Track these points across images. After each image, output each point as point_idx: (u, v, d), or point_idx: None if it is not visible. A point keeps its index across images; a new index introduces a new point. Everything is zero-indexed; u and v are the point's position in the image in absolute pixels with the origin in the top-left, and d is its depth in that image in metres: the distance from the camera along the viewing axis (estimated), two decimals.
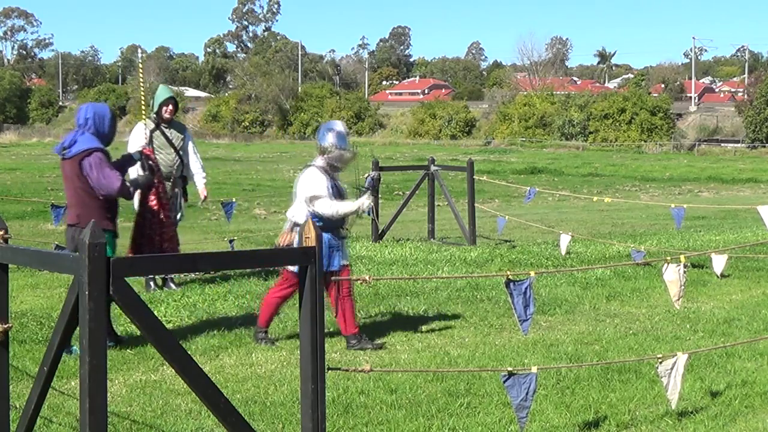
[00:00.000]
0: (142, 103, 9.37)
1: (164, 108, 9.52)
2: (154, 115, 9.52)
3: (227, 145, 71.05)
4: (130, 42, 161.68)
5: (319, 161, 7.33)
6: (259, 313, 7.43)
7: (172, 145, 9.59)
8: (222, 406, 3.73)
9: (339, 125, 7.62)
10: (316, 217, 7.10)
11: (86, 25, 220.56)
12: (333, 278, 6.88)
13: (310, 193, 7.14)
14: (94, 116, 7.00)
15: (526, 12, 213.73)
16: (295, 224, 7.23)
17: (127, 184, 7.12)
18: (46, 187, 25.48)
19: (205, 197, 10.25)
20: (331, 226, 7.20)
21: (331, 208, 7.14)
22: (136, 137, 9.38)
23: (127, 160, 7.45)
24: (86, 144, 6.87)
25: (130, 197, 7.41)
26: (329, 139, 7.33)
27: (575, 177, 38.12)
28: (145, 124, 9.30)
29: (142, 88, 9.43)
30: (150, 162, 7.63)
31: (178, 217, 9.84)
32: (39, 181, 28.49)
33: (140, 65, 10.31)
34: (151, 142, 9.30)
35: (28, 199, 19.33)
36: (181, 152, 9.73)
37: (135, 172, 9.28)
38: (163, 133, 9.53)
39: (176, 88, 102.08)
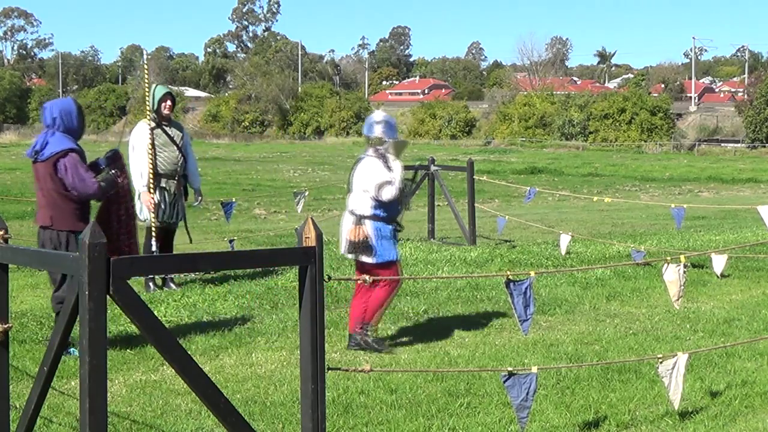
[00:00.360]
0: (147, 103, 9.38)
1: (163, 104, 9.51)
2: (154, 114, 9.52)
3: (227, 145, 71.05)
4: (130, 42, 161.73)
5: (371, 152, 7.36)
6: (366, 313, 7.27)
7: (174, 142, 9.60)
8: (222, 406, 3.73)
9: (385, 116, 7.63)
10: (380, 208, 7.19)
11: (86, 25, 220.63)
12: (331, 278, 6.87)
13: (379, 181, 7.16)
14: (61, 114, 6.87)
15: (526, 12, 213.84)
16: (362, 217, 7.21)
17: (102, 190, 6.92)
18: None
19: (201, 198, 10.24)
20: (391, 218, 7.29)
21: (395, 189, 7.21)
22: (139, 136, 9.37)
23: (93, 166, 7.18)
24: (59, 145, 6.77)
25: (101, 199, 7.10)
26: (377, 131, 7.37)
27: (575, 177, 38.11)
28: (148, 124, 9.32)
29: (147, 88, 9.44)
30: (117, 165, 7.26)
31: (179, 216, 9.84)
32: None
33: (145, 66, 10.32)
34: (153, 141, 9.31)
35: (28, 199, 19.30)
36: (182, 150, 9.75)
37: (137, 177, 9.30)
38: (165, 132, 9.53)
39: (176, 88, 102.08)
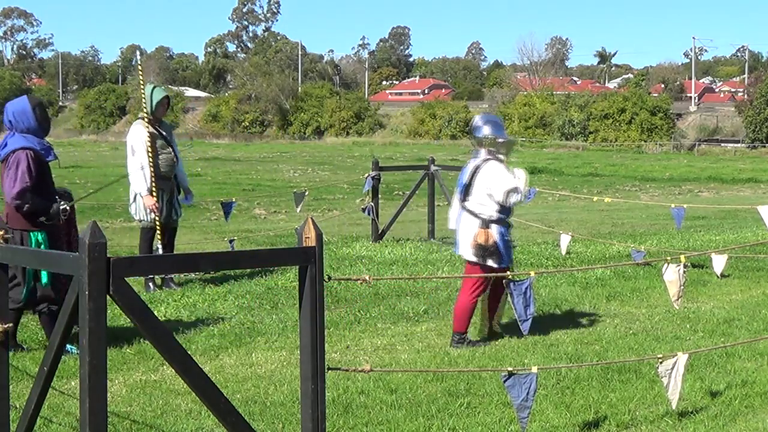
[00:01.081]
0: (144, 104, 9.39)
1: (161, 108, 9.55)
2: (150, 116, 9.51)
3: (227, 145, 71.02)
4: (130, 42, 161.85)
5: (484, 153, 7.43)
6: (454, 320, 7.35)
7: (170, 144, 9.62)
8: (222, 406, 3.73)
9: (488, 115, 7.78)
10: (503, 213, 7.31)
11: (86, 25, 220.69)
12: (331, 278, 6.89)
13: (508, 186, 7.25)
14: (14, 115, 6.75)
15: (526, 12, 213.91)
16: (489, 221, 7.29)
17: (27, 199, 6.63)
18: None
19: (191, 196, 10.25)
20: (506, 219, 7.41)
21: (519, 193, 7.32)
22: (138, 138, 9.37)
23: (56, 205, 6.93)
24: (14, 145, 6.69)
25: (20, 210, 6.69)
26: (485, 131, 7.44)
27: (575, 177, 38.12)
28: (146, 126, 9.33)
29: (142, 89, 9.45)
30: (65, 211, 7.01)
31: (178, 215, 9.87)
32: None
33: (140, 66, 10.33)
34: (153, 144, 9.33)
35: None
36: (175, 151, 9.80)
37: (139, 179, 9.29)
38: (161, 134, 9.55)
39: (176, 88, 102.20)
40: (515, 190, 7.26)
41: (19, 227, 6.67)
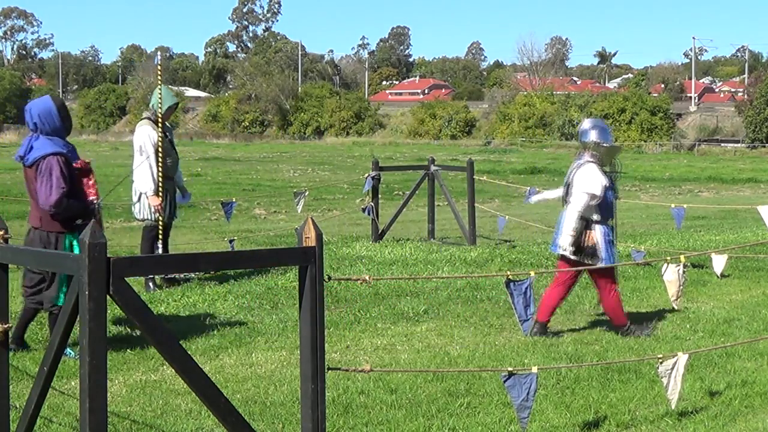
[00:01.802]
0: (153, 105, 9.41)
1: (169, 112, 9.60)
2: (159, 117, 9.53)
3: (227, 145, 71.02)
4: (130, 42, 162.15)
5: (586, 156, 7.62)
6: (538, 309, 7.57)
7: (173, 146, 9.67)
8: (222, 406, 3.73)
9: (596, 121, 7.95)
10: (603, 213, 7.52)
11: (86, 25, 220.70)
12: (331, 278, 6.90)
13: (590, 190, 7.46)
14: (40, 117, 6.74)
15: (526, 12, 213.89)
16: (591, 222, 7.54)
17: (64, 204, 6.63)
18: None
19: (189, 195, 10.31)
20: (606, 220, 7.59)
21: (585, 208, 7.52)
22: (147, 139, 9.39)
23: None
24: (42, 150, 6.67)
25: (57, 217, 6.72)
26: (592, 136, 7.63)
27: None
28: (154, 128, 9.36)
29: (159, 93, 9.44)
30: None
31: (174, 215, 9.92)
32: None
33: (159, 67, 10.39)
34: (162, 145, 9.39)
35: (28, 200, 19.31)
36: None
37: (146, 178, 9.30)
38: (166, 135, 9.59)
39: (176, 88, 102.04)
40: (594, 196, 7.46)
41: (55, 230, 6.73)
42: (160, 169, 9.34)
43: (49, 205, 6.60)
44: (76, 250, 6.66)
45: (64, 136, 6.86)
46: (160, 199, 9.39)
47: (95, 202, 6.89)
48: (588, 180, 7.51)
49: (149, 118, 9.50)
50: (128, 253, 10.46)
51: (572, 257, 7.59)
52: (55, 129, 6.76)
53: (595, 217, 7.54)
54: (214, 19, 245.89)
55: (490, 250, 12.28)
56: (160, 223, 9.50)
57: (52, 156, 6.64)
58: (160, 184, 9.38)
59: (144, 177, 9.39)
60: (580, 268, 7.51)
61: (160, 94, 9.40)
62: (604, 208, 7.58)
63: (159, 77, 9.71)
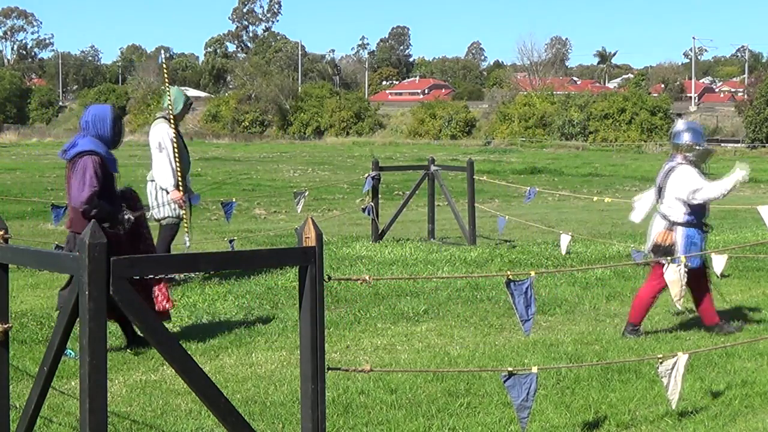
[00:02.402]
0: (168, 105, 9.43)
1: (183, 111, 9.63)
2: (173, 117, 9.56)
3: (227, 145, 71.00)
4: (130, 42, 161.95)
5: (679, 158, 7.70)
6: (631, 310, 7.67)
7: (186, 147, 9.71)
8: (222, 406, 3.73)
9: (690, 123, 8.07)
10: (692, 215, 7.57)
11: (86, 25, 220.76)
12: (331, 278, 6.90)
13: (692, 188, 7.49)
14: (94, 119, 6.84)
15: (526, 12, 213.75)
16: (674, 223, 7.59)
17: (95, 204, 6.66)
18: (46, 187, 25.47)
19: (197, 195, 10.34)
20: (699, 221, 7.65)
21: (717, 189, 7.52)
22: (166, 137, 9.39)
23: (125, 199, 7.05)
24: (82, 147, 6.74)
25: (87, 215, 6.67)
26: (686, 138, 7.71)
27: (575, 177, 38.08)
28: (171, 126, 9.39)
29: (167, 89, 9.47)
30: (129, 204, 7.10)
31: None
32: (39, 181, 28.51)
33: (164, 66, 10.37)
34: (179, 142, 9.43)
35: (28, 199, 19.33)
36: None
37: (167, 174, 9.31)
38: (180, 135, 9.64)
39: (176, 88, 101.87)
40: (699, 190, 7.50)
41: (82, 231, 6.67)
42: (178, 164, 9.35)
43: (80, 201, 6.64)
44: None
45: (110, 146, 6.92)
46: (182, 193, 9.38)
47: (128, 215, 6.90)
48: (686, 181, 7.54)
49: (164, 117, 9.51)
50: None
51: (651, 255, 7.72)
52: (104, 135, 6.85)
53: (680, 218, 7.58)
54: (214, 19, 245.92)
55: (490, 250, 12.28)
56: (184, 217, 9.48)
57: (89, 155, 6.71)
58: (180, 180, 9.38)
59: (165, 173, 9.38)
60: (648, 261, 7.69)
61: (169, 95, 9.40)
62: (692, 210, 7.61)
63: (165, 76, 9.71)
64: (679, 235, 7.58)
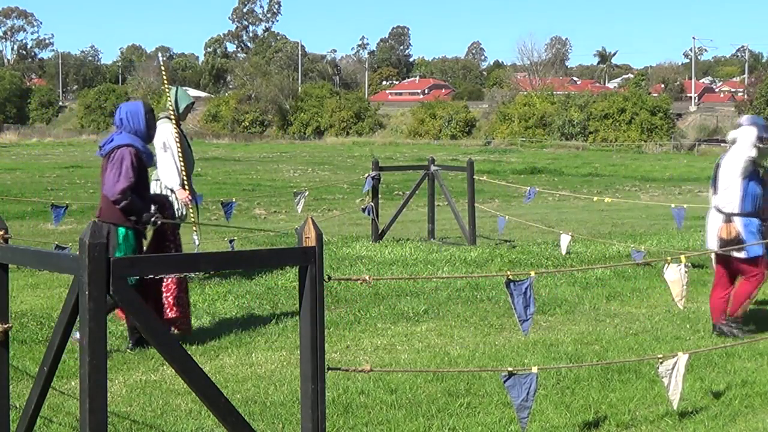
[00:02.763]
0: (170, 105, 9.44)
1: (186, 112, 9.64)
2: (176, 116, 9.57)
3: (227, 145, 71.00)
4: (130, 42, 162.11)
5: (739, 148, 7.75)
6: (731, 305, 7.73)
7: (190, 147, 9.72)
8: (222, 406, 3.73)
9: (756, 119, 8.11)
10: (745, 204, 7.62)
11: (86, 25, 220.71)
12: (331, 278, 6.90)
13: (742, 174, 7.59)
14: (127, 115, 6.95)
15: (526, 12, 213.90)
16: (730, 215, 7.65)
17: (128, 195, 6.72)
18: (46, 187, 25.48)
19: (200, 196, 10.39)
20: (757, 212, 7.68)
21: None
22: (170, 137, 9.40)
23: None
24: (120, 141, 6.84)
25: (120, 207, 6.78)
26: (753, 132, 7.75)
27: (575, 177, 38.09)
28: (174, 126, 9.40)
29: (166, 90, 9.47)
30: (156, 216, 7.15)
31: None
32: (39, 181, 28.51)
33: (162, 67, 10.37)
34: (182, 142, 9.43)
35: (28, 199, 19.32)
36: None
37: (172, 173, 9.32)
38: (184, 136, 9.65)
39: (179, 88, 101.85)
40: (750, 157, 7.56)
41: (110, 221, 6.77)
42: (182, 164, 9.36)
43: (115, 192, 6.69)
44: (131, 240, 6.80)
45: (145, 141, 7.03)
46: (187, 191, 9.38)
47: (155, 217, 6.97)
48: (734, 170, 7.63)
49: (168, 117, 9.52)
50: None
51: (717, 251, 7.75)
52: (139, 130, 6.95)
53: (735, 209, 7.63)
54: (214, 19, 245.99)
55: (490, 250, 12.28)
56: (192, 217, 9.47)
57: (126, 147, 6.79)
58: (185, 179, 9.38)
59: (170, 172, 9.39)
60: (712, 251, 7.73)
61: (169, 95, 9.40)
62: (747, 200, 7.66)
63: (164, 77, 9.70)
64: (739, 224, 7.64)
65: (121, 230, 6.78)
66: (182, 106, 9.51)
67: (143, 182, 6.97)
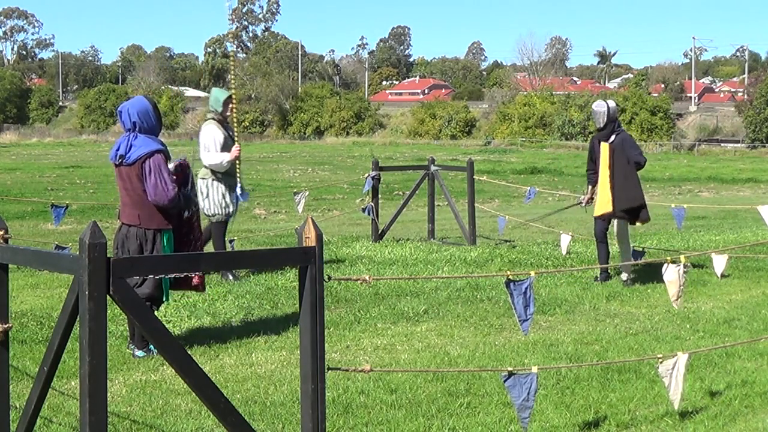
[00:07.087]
0: (233, 101, 9.59)
1: (228, 107, 9.75)
2: (220, 116, 9.69)
3: None
4: (130, 42, 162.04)
5: None
6: None
7: (235, 143, 9.88)
8: (222, 406, 3.73)
9: None
10: None
11: (86, 25, 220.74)
12: (331, 278, 6.91)
13: None
14: (140, 115, 6.86)
15: (526, 12, 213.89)
16: None
17: (177, 198, 6.86)
18: (46, 187, 25.49)
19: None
20: None
21: None
22: (211, 139, 9.50)
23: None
24: (146, 147, 6.78)
25: (174, 208, 6.94)
26: None
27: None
28: (220, 128, 9.50)
29: (233, 87, 9.60)
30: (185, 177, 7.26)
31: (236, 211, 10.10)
32: (39, 181, 28.51)
33: (232, 62, 10.50)
34: (226, 145, 9.55)
35: (28, 199, 19.33)
36: None
37: (215, 158, 9.40)
38: (229, 134, 9.76)
39: (176, 88, 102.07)
40: None
41: (153, 227, 6.82)
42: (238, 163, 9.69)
43: (168, 199, 6.75)
44: (173, 241, 6.95)
45: (157, 135, 7.03)
46: (238, 147, 9.66)
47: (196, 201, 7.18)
48: None
49: (214, 119, 9.64)
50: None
51: None
52: (152, 127, 6.94)
53: None
54: (214, 19, 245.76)
55: (490, 250, 12.28)
56: (230, 209, 9.64)
57: (158, 153, 6.80)
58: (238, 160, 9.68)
59: (215, 159, 9.59)
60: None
61: (234, 90, 9.56)
62: None
63: (232, 71, 9.89)
64: None
65: (166, 234, 6.89)
66: (219, 104, 9.66)
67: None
